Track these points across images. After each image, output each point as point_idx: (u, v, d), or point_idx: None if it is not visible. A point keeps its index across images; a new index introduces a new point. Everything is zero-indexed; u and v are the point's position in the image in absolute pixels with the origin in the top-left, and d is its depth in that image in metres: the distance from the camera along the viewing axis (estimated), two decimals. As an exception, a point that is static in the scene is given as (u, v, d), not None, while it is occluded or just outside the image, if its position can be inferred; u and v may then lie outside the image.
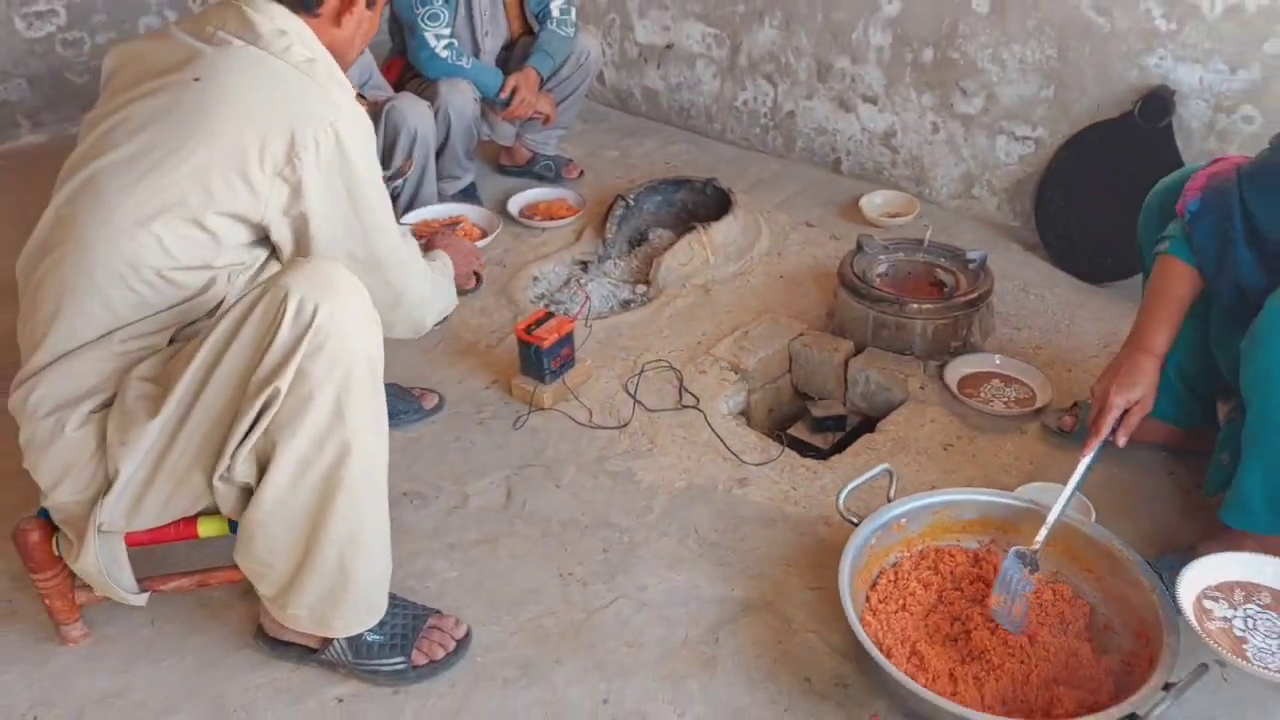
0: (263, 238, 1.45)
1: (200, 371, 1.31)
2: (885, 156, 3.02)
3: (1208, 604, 1.47)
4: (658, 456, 2.02)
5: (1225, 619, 1.46)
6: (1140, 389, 1.64)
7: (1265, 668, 1.37)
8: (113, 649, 1.61)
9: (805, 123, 3.15)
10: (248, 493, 1.37)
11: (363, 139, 1.45)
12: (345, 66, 1.55)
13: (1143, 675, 1.42)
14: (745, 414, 2.27)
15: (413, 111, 2.52)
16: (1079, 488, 1.62)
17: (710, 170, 2.98)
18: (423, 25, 2.57)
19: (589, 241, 2.76)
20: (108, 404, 1.38)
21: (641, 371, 2.23)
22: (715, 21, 3.21)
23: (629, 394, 2.17)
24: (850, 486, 1.69)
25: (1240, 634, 1.43)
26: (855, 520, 1.65)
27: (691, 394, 2.18)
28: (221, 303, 1.44)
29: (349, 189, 1.44)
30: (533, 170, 3.06)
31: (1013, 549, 1.61)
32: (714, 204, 2.82)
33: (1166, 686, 1.37)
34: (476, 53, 2.77)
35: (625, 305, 2.56)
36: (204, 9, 1.49)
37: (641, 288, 2.60)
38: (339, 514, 1.36)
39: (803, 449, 2.17)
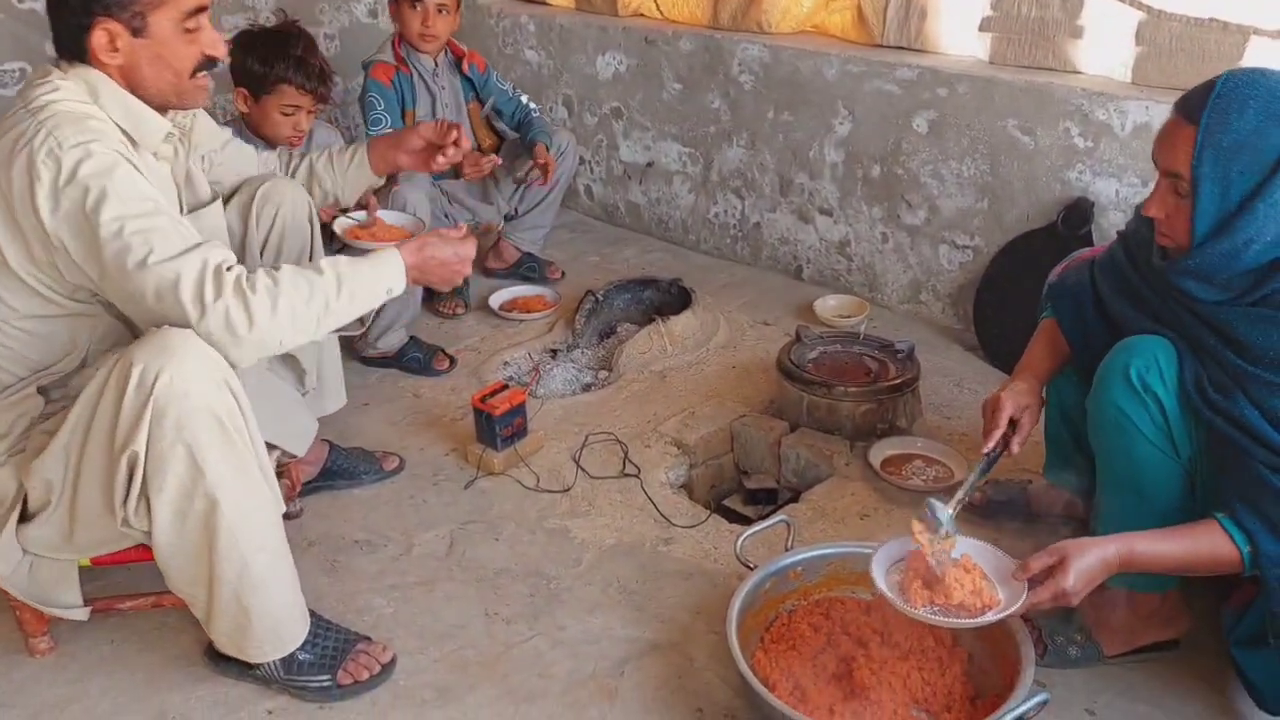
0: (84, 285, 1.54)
1: (78, 434, 1.51)
2: (841, 264, 3.26)
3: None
4: (594, 517, 2.20)
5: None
6: (1025, 396, 1.76)
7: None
8: (73, 662, 1.79)
9: (770, 233, 3.41)
10: None
11: (75, 164, 1.44)
12: (153, 95, 1.58)
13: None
14: (688, 487, 2.45)
15: (412, 195, 2.78)
16: (983, 476, 1.74)
17: (683, 276, 3.23)
18: (368, 129, 2.89)
19: (560, 332, 3.00)
20: (17, 451, 1.60)
21: (586, 442, 2.42)
22: (690, 141, 3.53)
23: (575, 462, 2.36)
24: (748, 533, 1.85)
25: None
26: (751, 565, 1.80)
27: (634, 464, 2.36)
28: (87, 353, 1.63)
29: (81, 209, 1.44)
30: (518, 272, 3.34)
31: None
32: (678, 302, 3.06)
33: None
34: None
35: (586, 388, 2.77)
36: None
37: (604, 373, 2.83)
38: (222, 558, 1.54)
39: (734, 518, 2.33)
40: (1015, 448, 1.75)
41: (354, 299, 1.58)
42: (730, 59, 3.30)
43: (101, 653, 1.81)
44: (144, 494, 1.49)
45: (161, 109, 1.62)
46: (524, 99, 3.19)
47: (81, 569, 1.71)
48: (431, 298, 3.06)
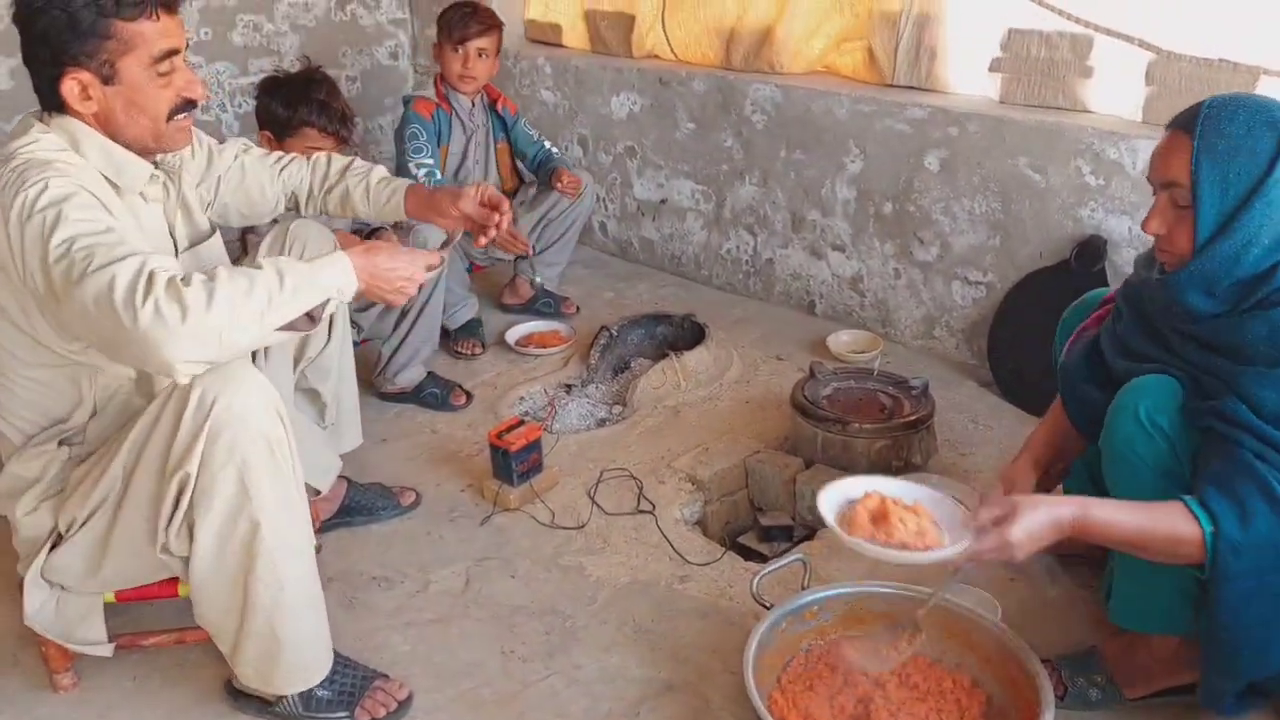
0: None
1: (130, 458, 1.55)
2: (854, 300, 3.28)
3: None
4: (609, 554, 2.21)
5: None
6: (1004, 486, 1.80)
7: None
8: (97, 698, 1.81)
9: (782, 269, 3.44)
10: None
11: (34, 197, 1.44)
12: (132, 140, 1.60)
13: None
14: (702, 523, 2.45)
15: (432, 234, 2.83)
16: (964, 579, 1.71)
17: (696, 311, 3.26)
18: (408, 158, 2.99)
19: (575, 367, 3.03)
20: (55, 494, 1.64)
21: (600, 478, 2.44)
22: (703, 179, 3.57)
23: (590, 498, 2.38)
24: (764, 572, 1.86)
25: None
26: (767, 605, 1.81)
27: (649, 501, 2.37)
28: (95, 403, 1.64)
29: (40, 239, 1.43)
30: (533, 307, 3.38)
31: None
32: (691, 337, 3.09)
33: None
34: None
35: (601, 423, 2.79)
36: None
37: (618, 408, 2.85)
38: (260, 582, 1.57)
39: (750, 555, 2.34)
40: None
41: (298, 293, 1.47)
42: (743, 99, 3.35)
43: (124, 688, 1.83)
44: (187, 520, 1.52)
45: (143, 153, 1.63)
46: (546, 144, 3.30)
47: (106, 605, 1.73)
48: (448, 337, 3.09)
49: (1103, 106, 2.73)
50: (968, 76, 2.96)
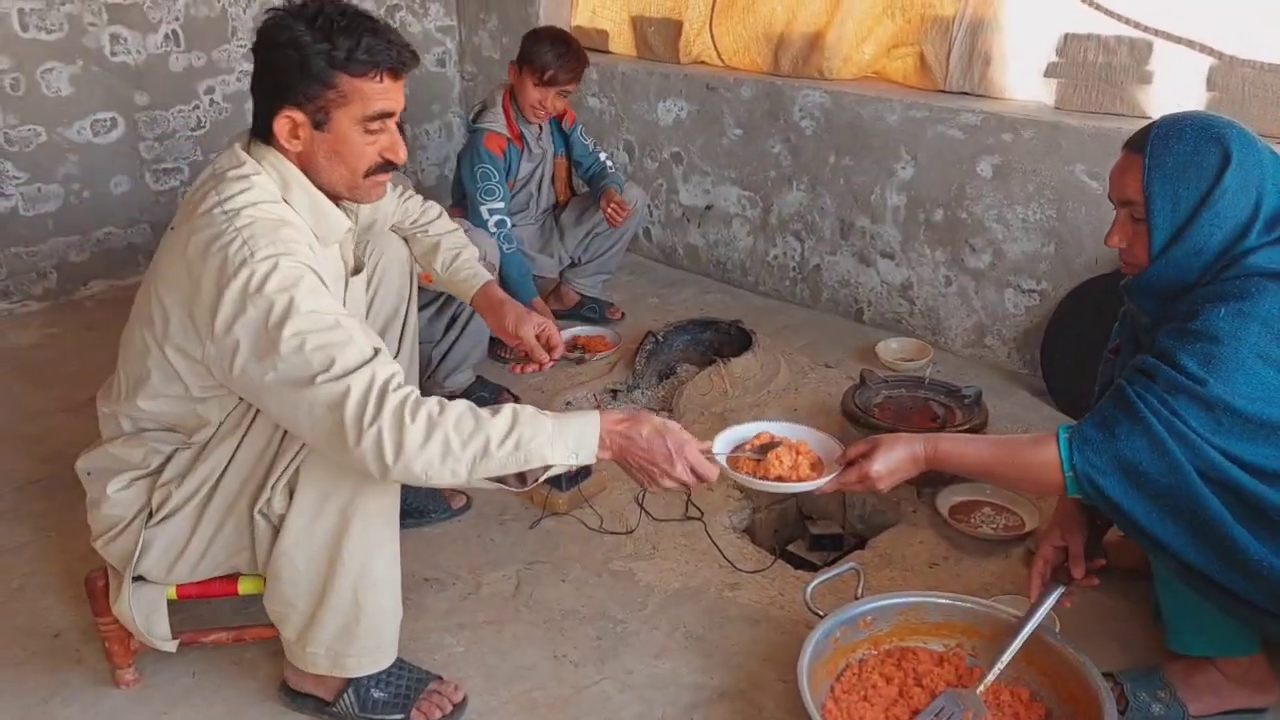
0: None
1: (249, 414, 1.59)
2: (903, 307, 3.26)
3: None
4: (658, 560, 2.20)
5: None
6: (1058, 532, 1.81)
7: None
8: (157, 694, 1.83)
9: (830, 276, 3.43)
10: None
11: (264, 276, 1.45)
12: (326, 185, 1.63)
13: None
14: (750, 531, 2.44)
15: (483, 242, 2.86)
16: (1030, 632, 1.70)
17: (742, 317, 3.24)
18: (479, 199, 2.97)
19: (621, 373, 3.03)
20: (151, 474, 1.66)
21: (650, 484, 2.43)
22: (750, 185, 3.56)
23: (638, 504, 2.38)
24: (817, 581, 1.85)
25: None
26: (821, 614, 1.79)
27: (697, 508, 2.37)
28: (213, 436, 1.63)
29: (264, 322, 1.44)
30: (579, 312, 3.38)
31: (949, 690, 1.72)
32: (738, 344, 3.08)
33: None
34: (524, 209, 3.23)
35: (648, 430, 2.78)
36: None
37: (664, 414, 2.84)
38: (353, 544, 1.59)
39: (799, 564, 2.32)
40: (1077, 573, 1.76)
41: (519, 448, 1.44)
42: (791, 105, 3.34)
43: (184, 685, 1.85)
44: (290, 485, 1.56)
45: (335, 198, 1.66)
46: (602, 155, 3.30)
47: (167, 603, 1.75)
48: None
49: (1162, 112, 2.67)
50: (1022, 82, 2.93)
